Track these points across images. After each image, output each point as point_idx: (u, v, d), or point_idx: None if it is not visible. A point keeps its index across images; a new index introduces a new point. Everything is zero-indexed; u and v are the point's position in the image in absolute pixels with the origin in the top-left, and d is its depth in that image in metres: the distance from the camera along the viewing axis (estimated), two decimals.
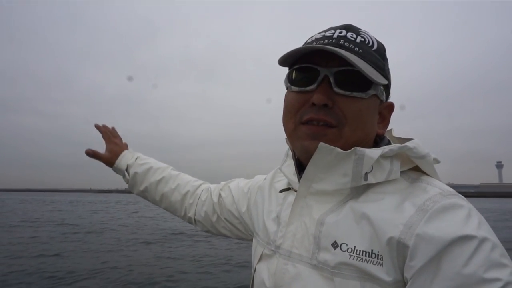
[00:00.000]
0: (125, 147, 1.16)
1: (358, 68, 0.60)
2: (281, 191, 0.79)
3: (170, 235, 12.10)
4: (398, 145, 0.64)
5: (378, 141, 0.74)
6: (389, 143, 0.72)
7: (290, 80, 0.69)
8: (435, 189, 0.60)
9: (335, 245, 0.61)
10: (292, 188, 0.76)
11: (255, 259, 0.79)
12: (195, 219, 1.06)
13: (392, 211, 0.59)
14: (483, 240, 0.52)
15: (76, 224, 15.17)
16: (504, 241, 0.56)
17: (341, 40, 0.65)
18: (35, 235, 11.72)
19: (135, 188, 1.12)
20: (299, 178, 0.71)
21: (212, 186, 1.10)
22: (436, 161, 0.67)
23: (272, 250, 0.73)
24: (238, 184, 1.03)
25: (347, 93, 0.63)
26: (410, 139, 0.69)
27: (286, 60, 0.68)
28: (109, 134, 1.16)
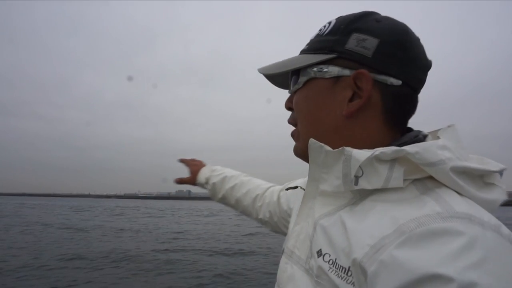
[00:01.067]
0: (204, 165, 1.32)
1: (267, 72, 0.66)
2: (287, 189, 0.82)
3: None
4: (395, 148, 0.51)
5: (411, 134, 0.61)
6: (419, 137, 0.59)
7: None
8: (435, 207, 0.46)
9: (319, 253, 0.57)
10: (299, 187, 0.77)
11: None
12: (264, 220, 1.14)
13: (369, 227, 0.49)
14: (468, 285, 0.37)
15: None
16: None
17: (307, 44, 0.67)
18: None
19: (216, 197, 1.26)
20: None
21: (277, 186, 1.17)
22: (473, 170, 0.51)
23: (284, 248, 0.73)
24: (290, 183, 1.08)
25: (292, 90, 0.66)
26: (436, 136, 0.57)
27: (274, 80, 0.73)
28: (189, 161, 1.35)
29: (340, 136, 0.60)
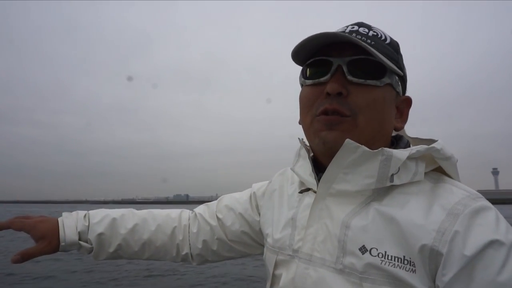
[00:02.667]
0: (53, 218, 0.87)
1: (372, 52, 0.60)
2: (300, 192, 0.74)
3: None
4: (425, 146, 0.63)
5: (394, 141, 0.72)
6: (408, 143, 0.72)
7: (304, 75, 0.70)
8: (461, 191, 0.59)
9: (363, 249, 0.59)
10: (311, 189, 0.72)
11: (270, 268, 0.74)
12: (191, 255, 0.94)
13: (421, 215, 0.57)
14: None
15: None
16: None
17: (353, 34, 0.65)
18: None
19: (104, 253, 0.88)
20: (317, 178, 0.69)
21: (199, 211, 0.97)
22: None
23: (289, 255, 0.70)
24: (233, 198, 0.95)
25: (361, 81, 0.63)
26: (431, 140, 0.68)
27: (299, 54, 0.68)
28: (19, 219, 0.82)
29: (382, 141, 0.67)
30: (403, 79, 0.70)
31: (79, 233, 0.85)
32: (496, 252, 0.51)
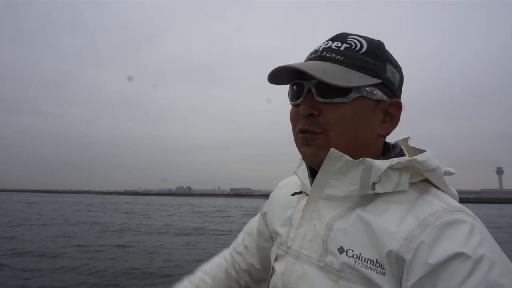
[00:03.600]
0: None
1: (317, 77, 0.63)
2: (293, 194, 0.83)
3: None
4: (407, 158, 0.65)
5: (391, 149, 0.75)
6: (400, 152, 0.73)
7: (288, 96, 0.76)
8: (441, 203, 0.61)
9: (341, 250, 0.64)
10: (304, 192, 0.79)
11: (272, 260, 0.83)
12: (247, 282, 1.04)
13: (394, 224, 0.60)
14: (480, 259, 0.52)
15: None
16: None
17: (324, 52, 0.69)
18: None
19: None
20: (311, 182, 0.75)
21: (233, 245, 1.09)
22: (449, 173, 0.68)
23: (284, 250, 0.77)
24: (251, 223, 1.06)
25: (327, 100, 0.67)
26: (423, 151, 0.69)
27: (274, 79, 0.73)
28: None
29: (367, 150, 0.70)
30: (384, 84, 0.69)
31: None
32: (462, 264, 0.52)
